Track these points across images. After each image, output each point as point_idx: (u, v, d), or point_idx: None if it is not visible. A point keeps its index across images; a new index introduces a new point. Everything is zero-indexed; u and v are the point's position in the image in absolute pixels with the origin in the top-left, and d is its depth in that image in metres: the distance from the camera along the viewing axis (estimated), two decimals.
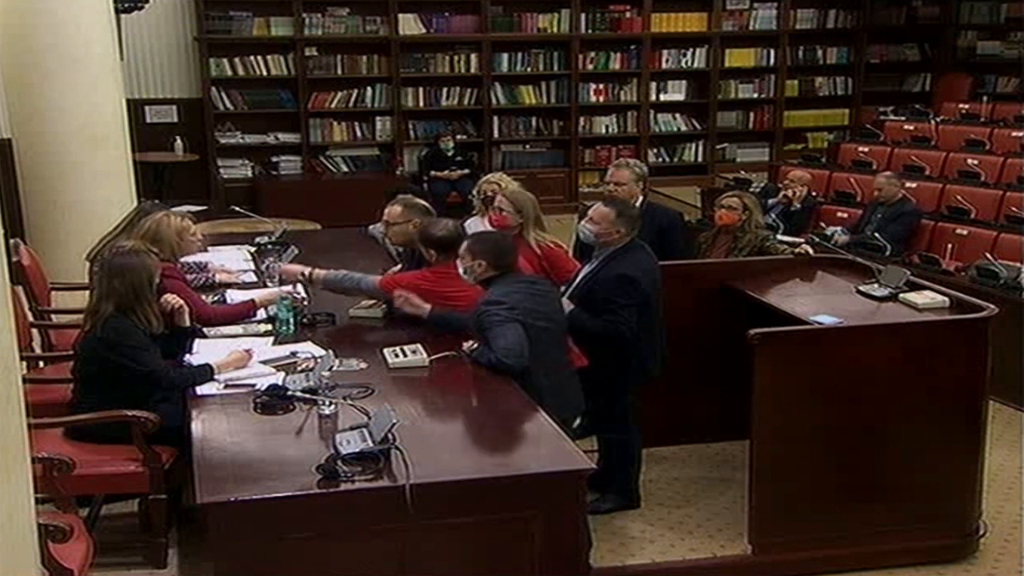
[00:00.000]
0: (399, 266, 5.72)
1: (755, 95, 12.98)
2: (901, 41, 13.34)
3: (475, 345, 4.43)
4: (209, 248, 6.65)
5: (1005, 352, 5.14)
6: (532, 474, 3.51)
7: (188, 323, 4.71)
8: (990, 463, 4.93)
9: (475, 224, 5.85)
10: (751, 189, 8.54)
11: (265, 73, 11.53)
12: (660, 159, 12.79)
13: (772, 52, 12.82)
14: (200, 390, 4.22)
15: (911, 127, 10.32)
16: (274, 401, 3.97)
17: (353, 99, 11.80)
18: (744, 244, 6.10)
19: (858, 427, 4.51)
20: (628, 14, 12.29)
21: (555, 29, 12.12)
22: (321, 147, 11.87)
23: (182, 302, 4.72)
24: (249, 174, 11.69)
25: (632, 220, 4.85)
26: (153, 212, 5.41)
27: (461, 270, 4.58)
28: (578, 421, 4.70)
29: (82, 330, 4.68)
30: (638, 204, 5.81)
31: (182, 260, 5.56)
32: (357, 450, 3.42)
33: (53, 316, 6.01)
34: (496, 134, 12.21)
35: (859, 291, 5.26)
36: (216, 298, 5.39)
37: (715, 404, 5.46)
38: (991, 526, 4.87)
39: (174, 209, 5.49)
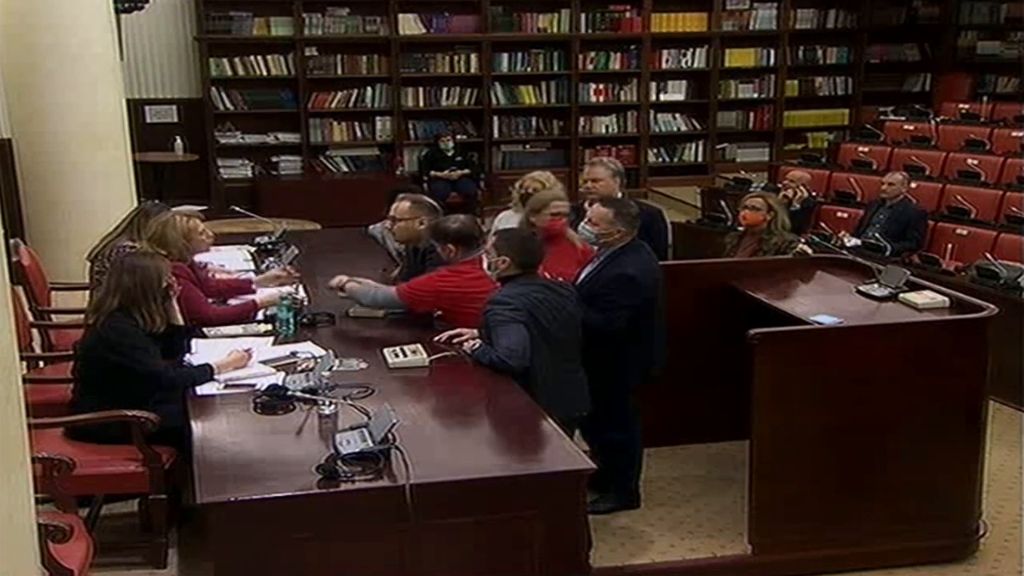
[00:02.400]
0: (398, 268, 5.72)
1: (755, 95, 12.98)
2: (901, 41, 13.34)
3: (476, 345, 4.43)
4: (209, 248, 6.66)
5: (1005, 352, 5.15)
6: (532, 474, 3.52)
7: (179, 319, 4.70)
8: (990, 463, 4.93)
9: (508, 217, 5.91)
10: (752, 189, 8.53)
11: (265, 73, 11.53)
12: (660, 159, 12.80)
13: (772, 52, 12.81)
14: (200, 390, 4.22)
15: (911, 127, 10.32)
16: (274, 401, 3.97)
17: (353, 99, 11.80)
18: (770, 247, 6.07)
19: (858, 427, 4.50)
20: (628, 14, 12.29)
21: (555, 29, 12.12)
22: (321, 147, 11.86)
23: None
24: (249, 174, 11.69)
25: (631, 219, 4.85)
26: (158, 213, 5.42)
27: (485, 264, 4.61)
28: None
29: (85, 324, 4.68)
30: None
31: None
32: (357, 450, 3.42)
33: (53, 316, 6.01)
34: (496, 134, 12.21)
35: (859, 291, 5.26)
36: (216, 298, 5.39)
37: (715, 404, 5.46)
38: (991, 526, 4.86)
39: (183, 208, 5.50)
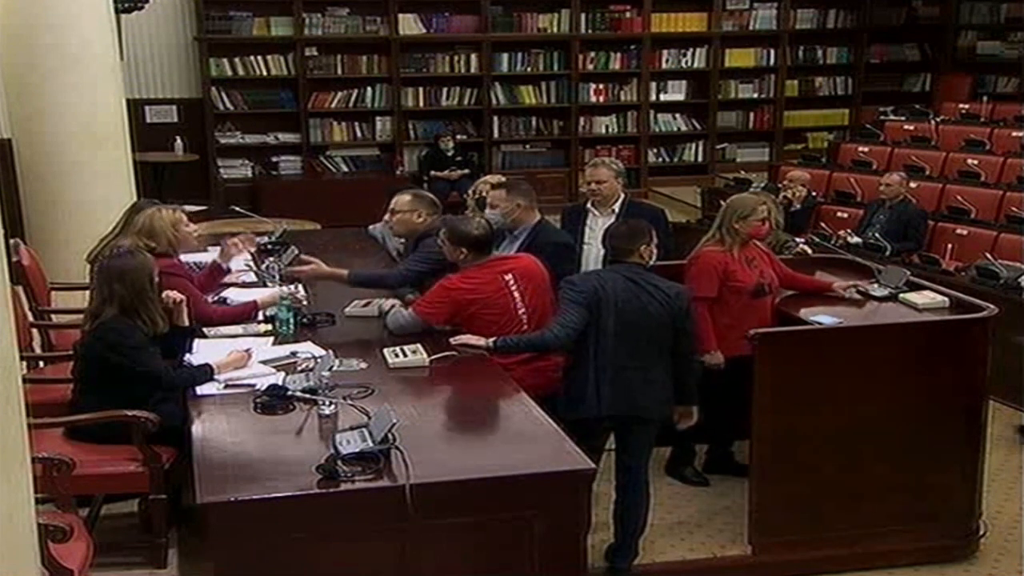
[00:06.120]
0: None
1: (755, 95, 12.98)
2: (901, 41, 13.34)
3: (494, 340, 4.46)
4: (209, 248, 6.65)
5: (1005, 352, 5.14)
6: (532, 474, 3.51)
7: (187, 321, 4.70)
8: (990, 463, 4.93)
9: None
10: (751, 189, 8.53)
11: (265, 73, 11.53)
12: (660, 159, 12.80)
13: (772, 52, 12.82)
14: (200, 390, 4.22)
15: (911, 127, 10.32)
16: (274, 401, 3.97)
17: (353, 99, 11.81)
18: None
19: (858, 427, 4.50)
20: (628, 14, 12.29)
21: (555, 29, 12.13)
22: (321, 147, 11.87)
23: (183, 297, 4.70)
24: (249, 174, 11.69)
25: (527, 193, 5.25)
26: (145, 207, 5.40)
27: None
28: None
29: (82, 330, 4.67)
30: (620, 202, 5.84)
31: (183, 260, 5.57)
32: (357, 450, 3.42)
33: (53, 316, 6.00)
34: (496, 134, 12.21)
35: (859, 291, 5.26)
36: (216, 298, 5.38)
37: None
38: (991, 526, 4.87)
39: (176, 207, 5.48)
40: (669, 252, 5.77)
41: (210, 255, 6.28)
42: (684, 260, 5.81)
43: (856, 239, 7.90)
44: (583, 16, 12.11)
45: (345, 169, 11.98)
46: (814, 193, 8.86)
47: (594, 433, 4.34)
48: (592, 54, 12.35)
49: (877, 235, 7.85)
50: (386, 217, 5.64)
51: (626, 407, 4.32)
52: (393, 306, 4.98)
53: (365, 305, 5.12)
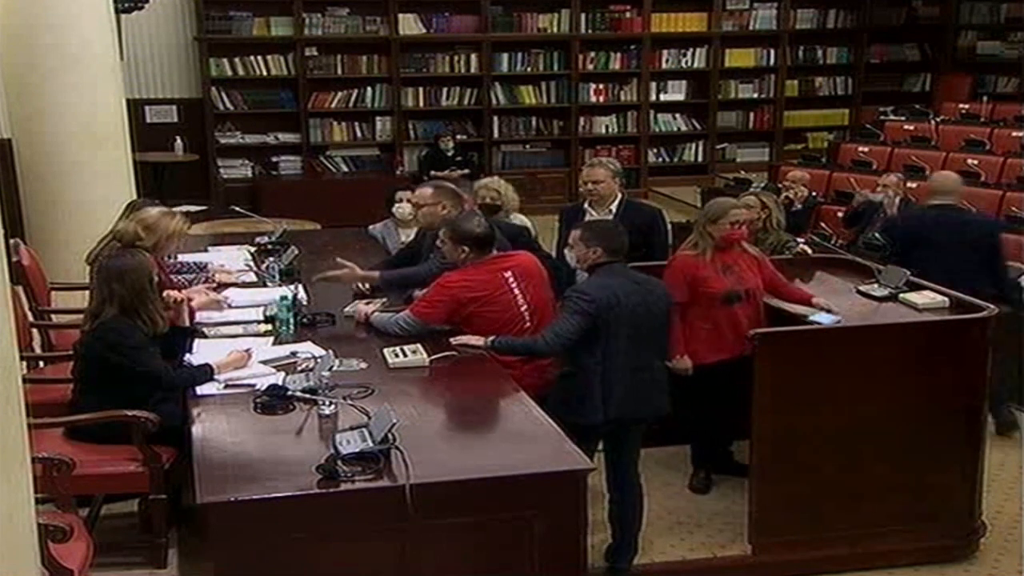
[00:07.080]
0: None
1: (755, 95, 12.99)
2: (901, 41, 13.35)
3: (492, 339, 4.46)
4: (209, 248, 6.65)
5: (1006, 352, 5.14)
6: (532, 474, 3.51)
7: (187, 321, 4.69)
8: (990, 463, 4.93)
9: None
10: (751, 189, 8.52)
11: (265, 73, 11.54)
12: (660, 159, 12.81)
13: (772, 52, 12.83)
14: (200, 390, 4.22)
15: (911, 127, 10.32)
16: (274, 401, 3.97)
17: (353, 99, 11.81)
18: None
19: (858, 427, 4.51)
20: (628, 14, 12.30)
21: (555, 29, 12.13)
22: (321, 147, 11.87)
23: (184, 297, 4.70)
24: (249, 174, 11.70)
25: (455, 195, 5.27)
26: (149, 205, 5.42)
27: (572, 259, 4.56)
28: None
29: (82, 330, 4.67)
30: (617, 202, 5.84)
31: (179, 260, 5.58)
32: (357, 450, 3.42)
33: (53, 316, 6.00)
34: (496, 134, 12.22)
35: (859, 291, 5.26)
36: None
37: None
38: (991, 526, 4.87)
39: (178, 208, 5.50)
40: (667, 253, 5.78)
41: (210, 255, 6.30)
42: None
43: (872, 196, 7.87)
44: (583, 16, 12.12)
45: (345, 169, 11.98)
46: (814, 193, 8.86)
47: (591, 436, 4.33)
48: (592, 54, 12.35)
49: (877, 235, 7.84)
50: (409, 209, 5.64)
51: (630, 410, 4.32)
52: (379, 310, 4.96)
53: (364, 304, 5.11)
